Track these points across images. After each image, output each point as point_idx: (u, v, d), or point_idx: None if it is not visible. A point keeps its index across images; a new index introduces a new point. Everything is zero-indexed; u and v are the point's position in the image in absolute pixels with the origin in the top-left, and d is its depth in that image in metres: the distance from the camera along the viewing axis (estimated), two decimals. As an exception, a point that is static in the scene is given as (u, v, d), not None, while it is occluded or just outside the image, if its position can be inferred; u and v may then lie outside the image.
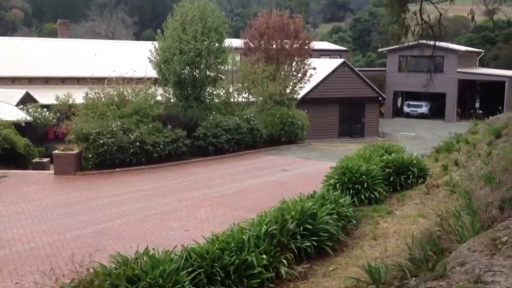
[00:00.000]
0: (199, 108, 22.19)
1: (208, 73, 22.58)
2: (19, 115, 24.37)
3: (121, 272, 6.30)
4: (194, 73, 22.14)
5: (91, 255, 6.81)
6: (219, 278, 6.66)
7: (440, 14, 11.17)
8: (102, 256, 8.37)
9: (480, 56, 53.58)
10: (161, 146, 19.31)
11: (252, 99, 25.79)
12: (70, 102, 23.64)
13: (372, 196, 10.23)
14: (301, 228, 8.03)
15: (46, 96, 27.85)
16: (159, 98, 22.14)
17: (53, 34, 54.06)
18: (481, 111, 46.28)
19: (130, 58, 31.78)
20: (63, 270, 7.35)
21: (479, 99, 54.63)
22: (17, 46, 35.57)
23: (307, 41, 32.31)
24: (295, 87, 29.15)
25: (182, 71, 21.62)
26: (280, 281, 7.31)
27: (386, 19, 12.25)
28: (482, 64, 55.20)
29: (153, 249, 6.90)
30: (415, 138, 36.13)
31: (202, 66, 22.07)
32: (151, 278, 6.19)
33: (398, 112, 49.52)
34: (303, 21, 34.97)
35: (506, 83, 44.65)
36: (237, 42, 32.08)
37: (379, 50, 57.14)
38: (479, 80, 49.30)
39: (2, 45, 35.10)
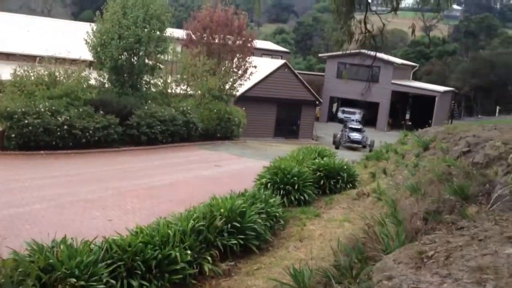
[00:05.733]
0: (134, 96, 21.62)
1: (146, 61, 22.08)
2: None
3: (35, 260, 5.95)
4: (132, 59, 21.60)
5: (5, 239, 6.37)
6: (139, 272, 6.46)
7: (384, 25, 11.41)
8: (16, 241, 7.90)
9: (414, 70, 55.85)
10: (90, 131, 18.65)
11: (190, 92, 25.45)
12: (-4, 77, 22.32)
13: (302, 198, 10.31)
14: (229, 225, 7.95)
15: (-30, 69, 26.15)
16: (92, 82, 21.35)
17: (-16, 5, 50.93)
18: (410, 123, 48.01)
19: (65, 38, 30.41)
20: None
21: (410, 111, 56.88)
22: None
23: (250, 39, 32.32)
24: (235, 83, 29.03)
25: (120, 57, 21.01)
26: (203, 277, 7.20)
27: (331, 25, 12.40)
28: (416, 78, 57.46)
29: (72, 238, 6.57)
30: (347, 144, 36.90)
31: (141, 53, 21.57)
32: (67, 268, 5.91)
33: (333, 117, 50.60)
34: (248, 19, 34.95)
35: (436, 98, 46.72)
36: (179, 33, 31.59)
37: (320, 55, 58.18)
38: (412, 92, 51.24)
39: None
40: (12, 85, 19.43)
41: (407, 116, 55.78)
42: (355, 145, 33.29)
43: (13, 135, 17.22)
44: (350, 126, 36.00)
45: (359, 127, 36.09)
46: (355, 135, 34.04)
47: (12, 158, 16.59)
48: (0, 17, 35.44)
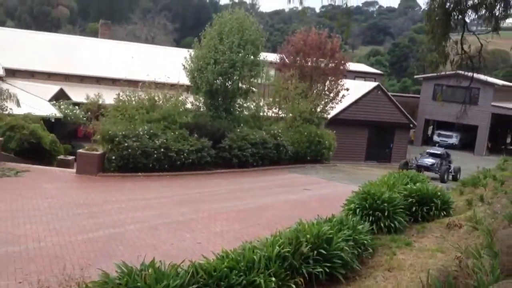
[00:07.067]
0: (227, 119, 22.14)
1: (240, 85, 22.57)
2: (50, 110, 24.77)
3: (123, 282, 6.16)
4: (227, 84, 22.13)
5: (89, 265, 6.68)
6: (223, 298, 6.48)
7: (481, 45, 10.89)
8: (109, 262, 8.28)
9: (517, 91, 52.09)
10: (185, 154, 19.24)
11: (281, 114, 25.65)
12: (100, 102, 23.90)
13: (392, 225, 9.90)
14: (315, 252, 7.79)
15: (79, 94, 28.27)
16: (189, 105, 22.20)
17: (95, 34, 54.98)
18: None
19: (166, 64, 32.10)
20: (66, 274, 7.19)
21: (512, 135, 53.20)
22: (57, 42, 36.29)
23: (342, 62, 32.17)
24: (326, 106, 28.93)
25: (215, 81, 21.62)
26: (287, 305, 7.08)
27: (426, 46, 12.03)
28: (519, 100, 53.53)
29: (160, 261, 6.75)
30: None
31: (235, 78, 22.06)
32: (153, 292, 6.03)
33: (428, 141, 48.59)
34: (341, 42, 34.83)
35: (541, 122, 43.29)
36: (273, 57, 32.16)
37: (415, 76, 56.40)
38: None
39: (43, 41, 35.85)
40: (115, 110, 20.65)
41: (508, 140, 52.16)
42: (423, 171, 27.89)
43: (113, 157, 18.04)
44: (428, 150, 32.31)
45: (438, 152, 31.56)
46: (424, 160, 29.94)
47: (111, 179, 17.46)
48: (107, 44, 38.20)
